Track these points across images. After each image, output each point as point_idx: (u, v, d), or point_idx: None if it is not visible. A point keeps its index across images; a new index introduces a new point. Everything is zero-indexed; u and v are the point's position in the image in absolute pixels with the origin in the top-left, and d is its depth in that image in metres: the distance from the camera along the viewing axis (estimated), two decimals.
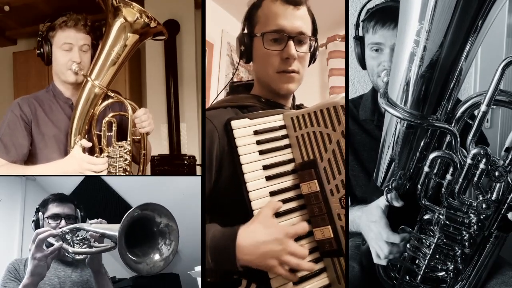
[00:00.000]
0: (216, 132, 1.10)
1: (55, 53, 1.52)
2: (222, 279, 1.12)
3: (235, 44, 1.25)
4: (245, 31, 1.22)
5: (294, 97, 1.30)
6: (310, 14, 1.21)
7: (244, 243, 0.95)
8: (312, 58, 1.26)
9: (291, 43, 1.14)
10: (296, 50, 1.16)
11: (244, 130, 1.09)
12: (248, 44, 1.20)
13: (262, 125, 1.11)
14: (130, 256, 1.04)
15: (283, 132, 1.13)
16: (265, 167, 1.08)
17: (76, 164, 1.41)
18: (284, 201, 1.06)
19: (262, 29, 1.17)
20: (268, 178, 1.07)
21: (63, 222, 1.32)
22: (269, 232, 0.96)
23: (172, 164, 2.83)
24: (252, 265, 0.97)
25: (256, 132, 1.10)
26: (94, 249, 1.16)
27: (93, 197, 2.01)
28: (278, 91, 1.20)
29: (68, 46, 1.49)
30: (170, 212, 1.10)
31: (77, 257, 1.19)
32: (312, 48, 1.21)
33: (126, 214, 1.02)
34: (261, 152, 1.09)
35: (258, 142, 1.09)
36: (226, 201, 1.10)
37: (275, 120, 1.13)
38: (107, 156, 1.49)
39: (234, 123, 1.09)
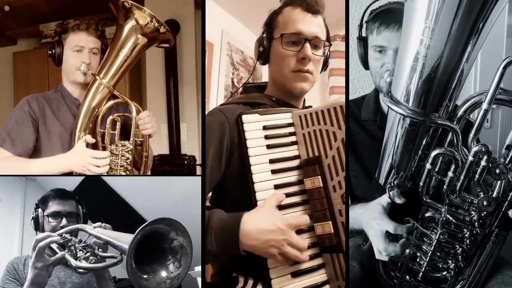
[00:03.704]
0: (227, 124, 1.16)
1: (66, 54, 1.57)
2: (223, 268, 1.17)
3: (253, 46, 1.32)
4: (265, 35, 1.29)
5: (304, 100, 1.35)
6: (325, 24, 1.28)
7: (248, 228, 1.01)
8: (325, 65, 1.33)
9: (307, 44, 1.22)
10: (312, 53, 1.22)
11: (253, 124, 1.15)
12: (267, 46, 1.28)
13: (271, 121, 1.17)
14: (140, 275, 1.00)
15: (290, 129, 1.18)
16: (271, 161, 1.13)
17: (79, 157, 1.43)
18: (288, 195, 1.10)
19: (281, 32, 1.24)
20: (274, 171, 1.12)
21: (64, 220, 1.30)
22: (272, 221, 1.01)
23: (172, 164, 2.84)
24: (254, 251, 1.02)
25: (265, 128, 1.16)
26: (99, 265, 1.11)
27: (93, 197, 2.00)
28: (292, 89, 1.25)
29: (79, 48, 1.54)
30: (188, 232, 1.04)
31: (80, 270, 1.15)
32: (325, 54, 1.28)
33: (137, 231, 0.96)
34: (269, 147, 1.14)
35: (266, 137, 1.15)
36: (233, 191, 1.16)
37: (284, 117, 1.19)
38: (110, 151, 1.52)
39: (244, 118, 1.15)
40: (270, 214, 1.03)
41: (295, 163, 1.15)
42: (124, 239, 1.01)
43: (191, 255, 1.06)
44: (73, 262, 1.11)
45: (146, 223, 0.98)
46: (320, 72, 1.33)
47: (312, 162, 1.12)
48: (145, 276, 1.01)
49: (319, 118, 1.13)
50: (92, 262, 1.13)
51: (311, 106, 1.36)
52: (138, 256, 0.99)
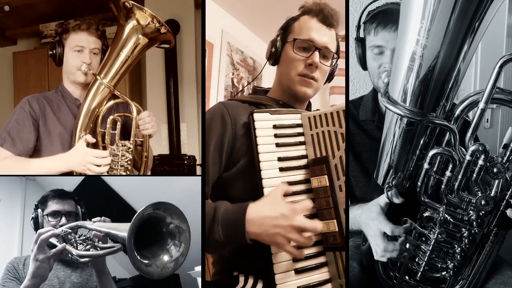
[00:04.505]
0: (229, 118, 1.20)
1: (66, 55, 1.57)
2: (225, 267, 1.20)
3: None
4: (279, 38, 1.34)
5: (310, 103, 1.39)
6: (337, 39, 1.34)
7: (252, 216, 1.03)
8: (330, 77, 1.38)
9: (316, 52, 1.27)
10: (320, 62, 1.28)
11: (264, 123, 1.19)
12: (279, 48, 1.33)
13: (281, 121, 1.20)
14: (141, 259, 1.02)
15: (299, 130, 1.21)
16: (280, 159, 1.16)
17: (79, 157, 1.43)
18: (294, 192, 1.11)
19: (295, 37, 1.30)
20: (282, 169, 1.15)
21: (63, 219, 1.30)
22: (276, 208, 1.02)
23: (172, 164, 2.85)
24: (260, 239, 1.03)
25: (275, 126, 1.19)
26: (99, 252, 1.12)
27: (93, 197, 2.01)
28: (295, 92, 1.29)
29: (80, 48, 1.54)
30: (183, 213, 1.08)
31: (81, 259, 1.14)
32: (332, 65, 1.34)
33: (137, 214, 0.99)
34: (278, 145, 1.17)
35: (276, 136, 1.18)
36: (236, 187, 1.19)
37: (293, 118, 1.22)
38: (110, 151, 1.52)
39: (256, 116, 1.18)
40: (274, 202, 1.04)
41: (303, 162, 1.17)
42: (123, 228, 1.03)
43: (189, 233, 1.08)
44: (74, 251, 1.12)
45: (144, 207, 1.00)
46: (324, 83, 1.36)
47: (320, 162, 1.14)
48: (146, 262, 1.03)
49: (328, 120, 1.16)
50: None
51: (318, 110, 1.37)
52: (138, 242, 1.01)
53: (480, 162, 0.97)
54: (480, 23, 0.88)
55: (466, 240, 1.07)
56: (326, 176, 1.11)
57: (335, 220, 1.08)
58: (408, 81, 0.97)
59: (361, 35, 1.37)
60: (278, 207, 1.02)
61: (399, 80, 1.00)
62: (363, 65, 1.38)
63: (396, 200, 1.10)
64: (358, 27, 1.36)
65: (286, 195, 1.07)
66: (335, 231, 1.07)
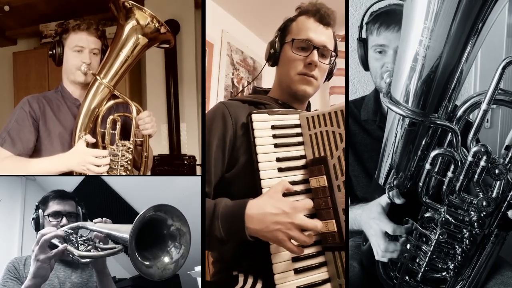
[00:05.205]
0: (230, 117, 1.21)
1: (66, 55, 1.57)
2: (224, 266, 1.20)
3: (265, 49, 1.38)
4: (277, 39, 1.35)
5: (309, 103, 1.40)
6: (334, 38, 1.35)
7: (252, 212, 1.03)
8: (329, 76, 1.40)
9: (315, 51, 1.28)
10: (319, 60, 1.29)
11: (263, 123, 1.19)
12: (278, 49, 1.34)
13: (279, 121, 1.20)
14: (142, 261, 1.02)
15: (297, 130, 1.21)
16: (278, 159, 1.16)
17: (79, 157, 1.43)
18: (293, 193, 1.11)
19: (293, 37, 1.31)
20: (280, 169, 1.15)
21: (64, 220, 1.31)
22: (277, 205, 1.03)
23: (172, 164, 2.84)
24: (260, 235, 1.04)
25: (273, 127, 1.19)
26: (101, 253, 1.12)
27: (93, 197, 2.01)
28: (296, 91, 1.30)
29: (79, 48, 1.54)
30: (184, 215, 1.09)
31: (83, 260, 1.14)
32: (331, 64, 1.35)
33: (138, 216, 0.99)
34: (276, 146, 1.18)
35: (274, 136, 1.18)
36: (237, 188, 1.19)
37: (292, 118, 1.23)
38: (110, 151, 1.52)
39: (254, 116, 1.19)
40: (275, 198, 1.04)
41: (301, 162, 1.18)
42: (124, 229, 1.03)
43: (190, 235, 1.08)
44: (76, 252, 1.12)
45: (145, 209, 1.00)
46: (324, 82, 1.37)
47: (318, 162, 1.14)
48: (147, 263, 1.03)
49: (326, 120, 1.16)
50: None
51: (317, 110, 1.38)
52: (139, 244, 1.01)
53: (482, 163, 0.97)
54: (484, 24, 0.88)
55: (467, 241, 1.07)
56: (324, 176, 1.12)
57: (333, 220, 1.08)
58: (410, 81, 0.98)
59: (363, 35, 1.37)
60: (279, 204, 1.03)
61: (401, 80, 1.00)
62: (365, 66, 1.39)
63: (398, 201, 1.10)
64: (361, 27, 1.37)
65: (286, 193, 1.08)
66: (334, 231, 1.07)
